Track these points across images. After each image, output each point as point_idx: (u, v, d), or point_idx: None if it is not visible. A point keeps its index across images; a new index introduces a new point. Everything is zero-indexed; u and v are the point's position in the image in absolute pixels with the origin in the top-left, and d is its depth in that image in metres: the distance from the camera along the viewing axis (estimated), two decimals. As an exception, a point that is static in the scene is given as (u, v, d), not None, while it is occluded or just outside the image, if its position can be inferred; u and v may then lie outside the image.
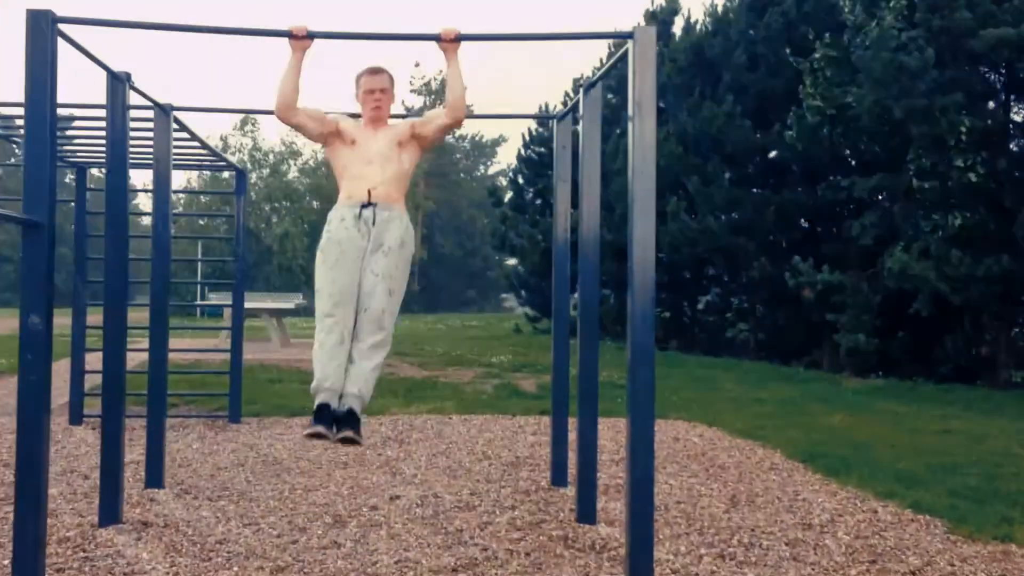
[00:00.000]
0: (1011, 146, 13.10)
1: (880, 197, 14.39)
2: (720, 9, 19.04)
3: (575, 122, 5.55)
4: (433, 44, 4.21)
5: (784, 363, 16.27)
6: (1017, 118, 13.55)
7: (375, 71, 4.36)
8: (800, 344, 16.94)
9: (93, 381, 8.99)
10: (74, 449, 6.95)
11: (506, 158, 65.45)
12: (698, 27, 19.35)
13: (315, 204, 44.38)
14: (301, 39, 4.14)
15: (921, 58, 11.81)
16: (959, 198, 12.41)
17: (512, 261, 26.08)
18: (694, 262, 18.53)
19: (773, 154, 17.29)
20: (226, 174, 32.73)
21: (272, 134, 43.67)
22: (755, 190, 17.58)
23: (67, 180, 26.41)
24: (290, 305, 18.94)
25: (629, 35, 3.96)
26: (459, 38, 4.13)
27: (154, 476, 5.70)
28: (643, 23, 20.68)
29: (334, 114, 4.43)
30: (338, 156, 4.34)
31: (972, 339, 13.92)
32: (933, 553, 4.58)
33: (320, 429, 3.95)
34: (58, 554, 4.26)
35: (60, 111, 4.14)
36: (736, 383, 12.85)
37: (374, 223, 4.15)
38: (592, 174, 5.08)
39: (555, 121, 5.76)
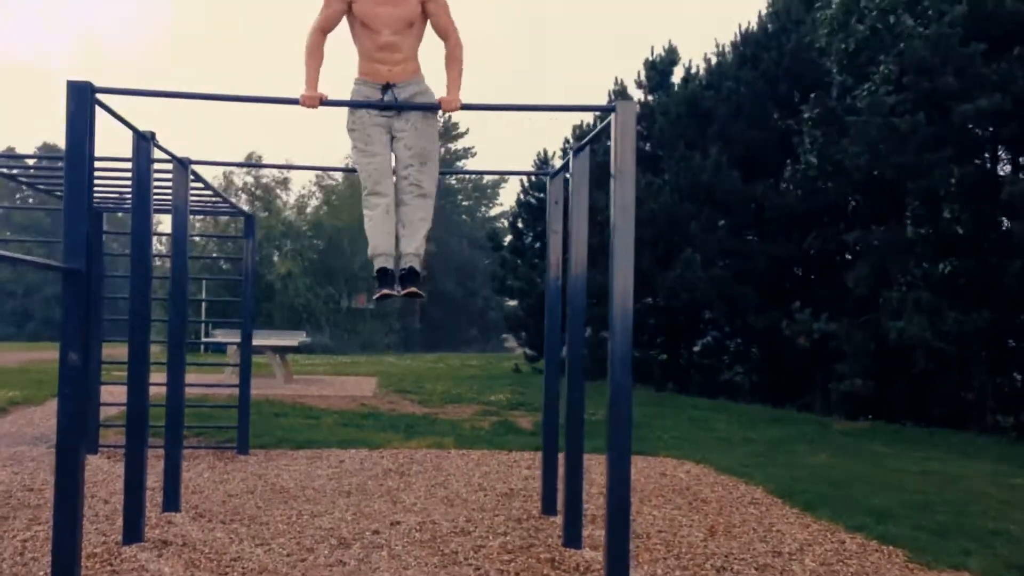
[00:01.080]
0: (1002, 196, 13.50)
1: (876, 243, 14.77)
2: (714, 62, 19.63)
3: (567, 169, 6.03)
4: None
5: (777, 405, 16.57)
6: (1005, 170, 14.00)
7: None
8: (794, 387, 17.28)
9: (106, 413, 9.42)
10: (92, 476, 7.33)
11: (507, 199, 66.09)
12: (698, 76, 19.83)
13: (317, 243, 44.58)
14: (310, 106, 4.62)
15: (912, 121, 12.32)
16: (951, 246, 12.81)
17: (512, 303, 26.48)
18: (691, 306, 18.91)
19: (765, 205, 17.77)
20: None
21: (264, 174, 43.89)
22: (750, 238, 18.01)
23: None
24: (294, 343, 19.37)
25: (612, 108, 4.44)
26: (458, 108, 4.61)
27: (171, 500, 6.11)
28: (643, 71, 21.31)
29: None
30: (352, 29, 4.72)
31: (961, 384, 14.26)
32: (890, 579, 4.99)
33: (386, 291, 4.56)
34: (88, 567, 4.66)
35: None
36: (728, 423, 13.14)
37: (397, 101, 4.66)
38: (580, 227, 5.53)
39: (549, 178, 6.23)
